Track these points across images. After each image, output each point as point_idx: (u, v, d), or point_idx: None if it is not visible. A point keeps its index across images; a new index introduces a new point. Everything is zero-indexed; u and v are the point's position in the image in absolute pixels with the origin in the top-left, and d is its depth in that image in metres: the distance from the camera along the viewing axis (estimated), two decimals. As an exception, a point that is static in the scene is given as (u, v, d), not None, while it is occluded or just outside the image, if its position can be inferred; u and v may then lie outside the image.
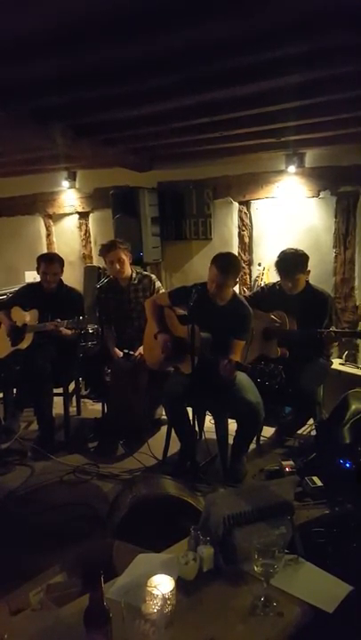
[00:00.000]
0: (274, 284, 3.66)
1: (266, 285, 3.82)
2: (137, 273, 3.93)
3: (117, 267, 3.78)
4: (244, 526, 1.66)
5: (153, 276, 3.99)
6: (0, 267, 6.19)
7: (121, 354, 3.78)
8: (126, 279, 3.87)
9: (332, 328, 3.36)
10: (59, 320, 3.55)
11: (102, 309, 3.94)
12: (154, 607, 1.34)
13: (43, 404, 3.75)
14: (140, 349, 3.69)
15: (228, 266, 3.10)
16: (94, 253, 5.69)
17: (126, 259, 3.83)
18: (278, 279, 3.56)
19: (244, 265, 4.90)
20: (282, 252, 3.46)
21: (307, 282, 3.49)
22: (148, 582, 1.43)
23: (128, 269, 3.86)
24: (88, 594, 1.29)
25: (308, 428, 3.71)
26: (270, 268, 4.54)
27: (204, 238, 5.03)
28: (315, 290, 3.49)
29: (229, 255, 3.29)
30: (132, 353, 3.74)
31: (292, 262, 3.39)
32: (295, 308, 3.38)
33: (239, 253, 4.87)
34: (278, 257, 3.46)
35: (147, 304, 3.54)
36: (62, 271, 3.96)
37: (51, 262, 3.88)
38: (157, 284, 3.95)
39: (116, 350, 3.81)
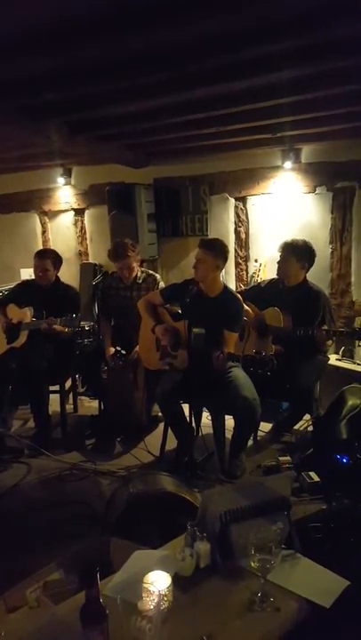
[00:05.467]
0: (271, 279, 3.67)
1: (263, 281, 3.83)
2: (142, 272, 3.92)
3: (126, 274, 3.80)
4: (241, 522, 1.65)
5: (157, 276, 3.96)
6: (-4, 264, 6.17)
7: (113, 350, 3.76)
8: (131, 278, 3.86)
9: (325, 327, 3.36)
10: (52, 318, 3.53)
11: (104, 304, 3.93)
12: (150, 604, 1.34)
13: (39, 402, 3.74)
14: (137, 348, 3.68)
15: (207, 241, 3.22)
16: (90, 250, 5.68)
17: (136, 264, 3.83)
18: (275, 275, 3.57)
19: (240, 261, 4.90)
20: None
21: (305, 278, 3.51)
22: (144, 579, 1.43)
23: (134, 273, 3.85)
24: (85, 591, 1.29)
25: (305, 424, 3.71)
26: (267, 264, 4.54)
27: (200, 234, 5.01)
28: (310, 286, 3.51)
29: (212, 238, 3.43)
30: (124, 352, 3.72)
31: (291, 243, 3.49)
32: (290, 303, 3.39)
33: (236, 249, 4.87)
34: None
35: (140, 303, 3.51)
36: (58, 268, 3.93)
37: (41, 258, 3.86)
38: (161, 283, 3.92)
39: (111, 347, 3.80)
